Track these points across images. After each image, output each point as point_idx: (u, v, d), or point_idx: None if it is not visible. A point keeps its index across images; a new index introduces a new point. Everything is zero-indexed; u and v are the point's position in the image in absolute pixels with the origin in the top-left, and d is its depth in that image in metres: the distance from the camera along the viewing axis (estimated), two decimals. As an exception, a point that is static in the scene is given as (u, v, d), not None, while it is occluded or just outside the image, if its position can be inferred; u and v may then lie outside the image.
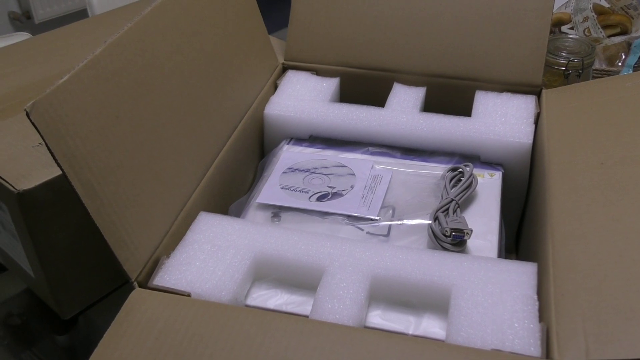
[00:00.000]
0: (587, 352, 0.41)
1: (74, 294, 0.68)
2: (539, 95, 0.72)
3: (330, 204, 0.61)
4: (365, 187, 0.63)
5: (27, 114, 0.43)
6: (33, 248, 0.62)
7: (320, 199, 0.62)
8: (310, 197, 0.63)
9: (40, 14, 2.16)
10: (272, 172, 0.67)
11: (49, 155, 0.44)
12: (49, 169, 0.59)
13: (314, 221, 0.60)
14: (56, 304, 0.67)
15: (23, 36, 1.30)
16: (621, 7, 1.01)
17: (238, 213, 0.64)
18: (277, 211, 0.62)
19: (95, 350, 0.44)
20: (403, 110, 0.71)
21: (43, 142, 0.44)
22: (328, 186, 0.64)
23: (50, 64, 0.78)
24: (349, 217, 0.60)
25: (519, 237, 0.72)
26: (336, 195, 0.63)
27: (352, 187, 0.64)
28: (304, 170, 0.66)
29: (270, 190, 0.64)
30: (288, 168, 0.67)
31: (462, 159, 0.67)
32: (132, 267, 0.49)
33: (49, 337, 0.71)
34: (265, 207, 0.62)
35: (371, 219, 0.60)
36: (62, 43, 0.83)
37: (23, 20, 2.16)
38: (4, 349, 0.69)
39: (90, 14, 1.67)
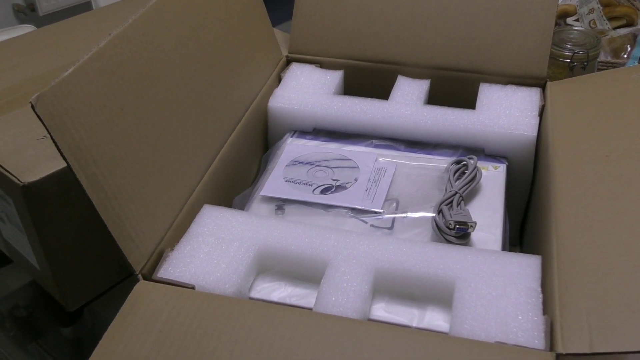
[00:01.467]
0: (591, 344, 0.41)
1: (79, 286, 0.68)
2: (543, 87, 0.72)
3: (334, 196, 0.62)
4: (369, 180, 0.63)
5: (33, 107, 0.43)
6: (38, 240, 0.62)
7: (324, 191, 0.62)
8: (314, 189, 0.63)
9: (45, 6, 2.16)
10: (276, 164, 0.67)
11: (54, 147, 0.44)
12: (53, 162, 0.60)
13: (318, 214, 0.60)
14: (61, 296, 0.67)
15: (27, 29, 1.30)
16: (627, -1, 1.01)
17: (242, 206, 0.64)
18: (281, 204, 0.62)
19: (100, 342, 0.44)
20: (407, 103, 0.71)
21: (48, 135, 0.44)
22: (332, 179, 0.64)
23: (54, 57, 0.78)
24: (353, 210, 0.60)
25: (523, 230, 0.71)
26: (340, 188, 0.63)
27: (356, 179, 0.64)
28: (307, 163, 0.66)
29: (274, 183, 0.64)
30: (292, 161, 0.67)
31: (466, 152, 0.67)
32: (137, 260, 0.49)
33: (55, 329, 0.71)
34: (269, 199, 0.62)
35: (375, 212, 0.60)
36: (66, 35, 0.83)
37: (27, 12, 2.16)
38: (10, 340, 0.69)
39: (94, 7, 1.66)
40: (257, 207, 0.62)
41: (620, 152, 0.54)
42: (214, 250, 0.53)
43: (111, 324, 0.45)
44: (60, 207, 0.61)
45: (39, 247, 0.62)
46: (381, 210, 0.60)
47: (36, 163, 0.60)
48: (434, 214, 0.58)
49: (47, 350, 0.68)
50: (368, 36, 0.76)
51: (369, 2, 0.76)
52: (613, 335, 0.40)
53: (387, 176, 0.64)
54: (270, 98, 0.73)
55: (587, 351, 0.41)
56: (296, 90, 0.74)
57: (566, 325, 0.43)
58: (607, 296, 0.43)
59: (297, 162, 0.67)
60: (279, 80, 0.77)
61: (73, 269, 0.66)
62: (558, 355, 0.42)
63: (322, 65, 0.79)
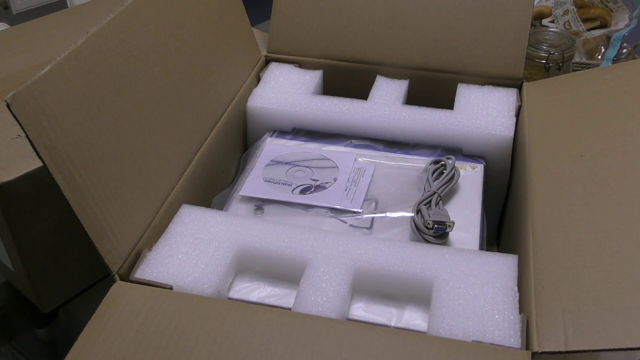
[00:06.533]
0: (566, 342, 0.41)
1: (55, 287, 0.67)
2: (520, 88, 0.73)
3: (314, 196, 0.62)
4: (349, 179, 0.64)
5: (8, 105, 0.42)
6: (12, 241, 0.61)
7: (304, 191, 0.62)
8: (294, 189, 0.63)
9: (18, 4, 2.13)
10: (255, 164, 0.66)
11: (29, 147, 0.44)
12: (28, 161, 0.59)
13: (297, 214, 0.60)
14: (36, 297, 0.66)
15: (1, 27, 1.28)
16: (601, 1, 1.02)
17: (221, 206, 0.64)
18: (260, 204, 0.62)
19: (76, 344, 0.44)
20: (386, 103, 0.72)
21: (23, 134, 0.43)
22: (311, 179, 0.64)
23: (29, 55, 0.77)
24: (332, 209, 0.60)
25: (500, 229, 0.72)
26: (319, 188, 0.63)
27: (335, 179, 0.64)
28: (287, 163, 0.66)
29: (253, 183, 0.64)
30: (271, 161, 0.67)
31: (445, 152, 0.68)
32: (114, 260, 0.49)
33: (29, 331, 0.70)
34: (248, 199, 0.62)
35: (354, 212, 0.60)
36: (41, 34, 0.82)
37: (0, 10, 2.13)
38: (-17, 342, 0.68)
39: (69, 5, 1.64)
40: (236, 207, 0.62)
41: (595, 152, 0.55)
42: (193, 251, 0.52)
43: (87, 325, 0.45)
44: (35, 207, 0.60)
45: (13, 247, 0.62)
46: (360, 210, 0.60)
47: (10, 162, 0.59)
48: (412, 214, 0.58)
49: (22, 352, 0.67)
50: (347, 36, 0.77)
51: (348, 2, 0.77)
52: (588, 334, 0.41)
53: (367, 176, 0.64)
54: (250, 98, 0.73)
55: (562, 349, 0.41)
56: (275, 90, 0.74)
57: (542, 323, 0.44)
58: (582, 295, 0.44)
59: (276, 162, 0.67)
60: (257, 79, 0.77)
61: (48, 270, 0.65)
62: (534, 354, 0.42)
63: (301, 65, 0.78)
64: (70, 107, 0.47)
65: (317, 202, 0.61)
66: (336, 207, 0.60)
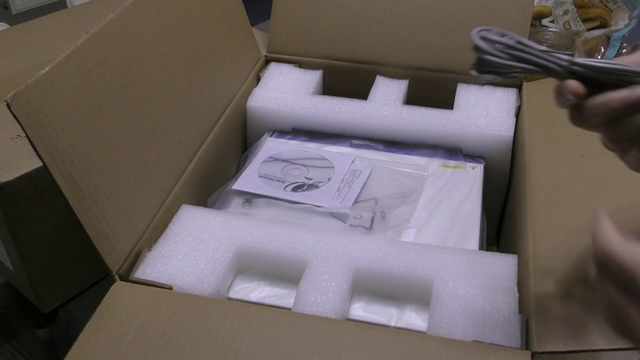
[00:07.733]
0: (565, 343, 0.41)
1: (54, 287, 0.67)
2: (519, 88, 0.73)
3: (304, 194, 0.62)
4: (343, 180, 0.63)
5: (8, 105, 0.42)
6: (12, 241, 0.61)
7: (296, 189, 0.62)
8: (286, 187, 0.63)
9: (18, 4, 2.13)
10: (253, 160, 0.66)
11: (29, 147, 0.44)
12: (28, 161, 0.59)
13: (284, 209, 0.60)
14: (36, 297, 0.66)
15: (1, 27, 1.28)
16: (600, 1, 1.02)
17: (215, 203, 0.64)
18: (249, 198, 0.62)
19: (75, 344, 0.44)
20: (386, 103, 0.72)
21: (23, 134, 0.43)
22: (305, 177, 0.64)
23: (29, 55, 0.77)
24: (320, 207, 0.60)
25: (500, 229, 0.72)
26: (312, 186, 0.63)
27: (329, 179, 0.64)
28: (284, 160, 0.66)
29: (247, 178, 0.64)
30: (269, 157, 0.67)
31: (445, 152, 0.68)
32: (114, 260, 0.49)
33: (29, 331, 0.70)
34: (240, 194, 0.62)
35: (342, 212, 0.60)
36: (41, 34, 0.81)
37: (0, 10, 2.13)
38: (-17, 342, 0.68)
39: (68, 5, 1.64)
40: (227, 200, 0.62)
41: (595, 152, 0.55)
42: (192, 251, 0.52)
43: (87, 325, 0.45)
44: (35, 207, 0.60)
45: (13, 247, 0.62)
46: (348, 211, 0.60)
47: (10, 162, 0.59)
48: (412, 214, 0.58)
49: (22, 352, 0.67)
50: (347, 36, 0.77)
51: (348, 2, 0.77)
52: (588, 333, 0.41)
53: (362, 178, 0.64)
54: (249, 98, 0.73)
55: (562, 349, 0.41)
56: (275, 90, 0.74)
57: (542, 323, 0.44)
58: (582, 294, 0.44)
59: (274, 159, 0.67)
60: (257, 79, 0.77)
61: (48, 270, 0.65)
62: (533, 354, 0.42)
63: (301, 65, 0.78)
64: (70, 107, 0.47)
65: (306, 200, 0.61)
66: (324, 206, 0.60)
